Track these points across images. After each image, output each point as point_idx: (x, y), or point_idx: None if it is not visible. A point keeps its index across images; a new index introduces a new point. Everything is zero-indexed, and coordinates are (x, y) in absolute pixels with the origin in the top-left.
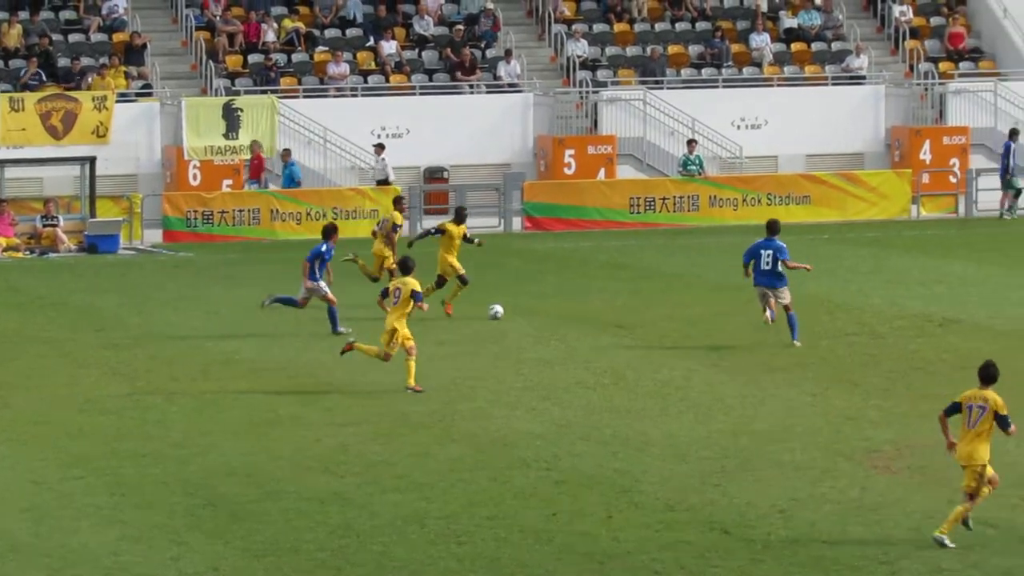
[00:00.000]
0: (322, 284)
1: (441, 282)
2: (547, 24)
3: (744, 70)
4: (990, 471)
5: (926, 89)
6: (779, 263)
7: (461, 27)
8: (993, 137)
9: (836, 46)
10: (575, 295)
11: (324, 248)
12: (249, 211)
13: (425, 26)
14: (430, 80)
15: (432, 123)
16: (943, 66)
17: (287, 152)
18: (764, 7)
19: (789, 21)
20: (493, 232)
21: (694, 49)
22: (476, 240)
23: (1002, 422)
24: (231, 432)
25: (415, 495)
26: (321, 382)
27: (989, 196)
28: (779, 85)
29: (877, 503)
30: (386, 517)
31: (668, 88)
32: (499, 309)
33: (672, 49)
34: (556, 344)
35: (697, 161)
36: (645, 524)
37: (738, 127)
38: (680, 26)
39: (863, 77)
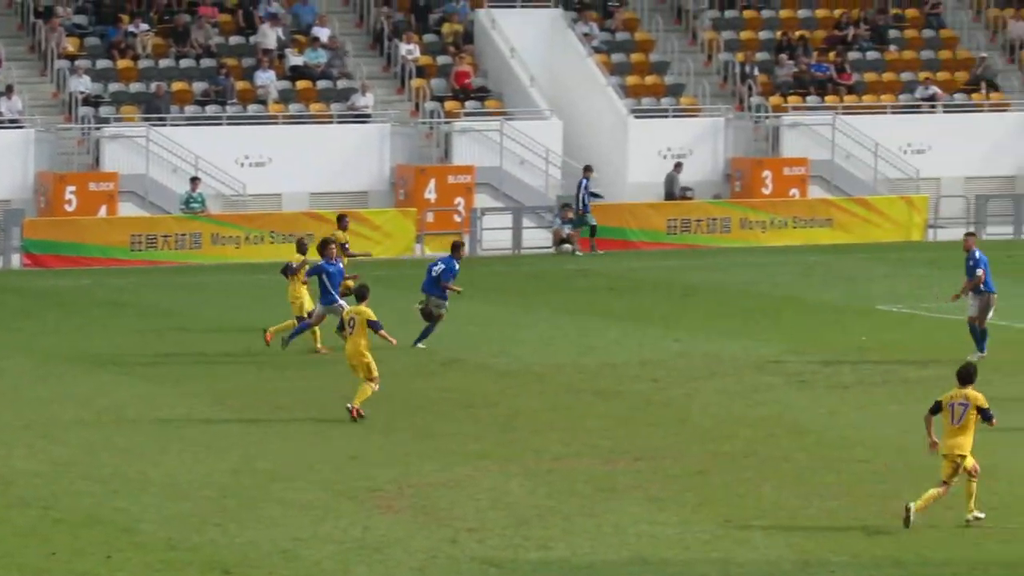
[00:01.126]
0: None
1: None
2: (49, 60)
3: (249, 108)
4: (970, 462)
5: (432, 128)
6: (439, 278)
7: None
8: (499, 176)
9: (342, 84)
10: (74, 333)
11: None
12: None
13: None
14: None
15: None
16: (449, 105)
17: None
18: (271, 44)
19: (295, 59)
20: None
21: (198, 86)
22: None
23: (985, 415)
24: None
25: None
26: None
27: (493, 235)
28: (284, 123)
29: (380, 542)
30: None
31: (172, 125)
32: None
33: (176, 86)
34: (55, 382)
35: (200, 199)
36: (146, 564)
37: (242, 165)
38: (184, 63)
39: (369, 116)
